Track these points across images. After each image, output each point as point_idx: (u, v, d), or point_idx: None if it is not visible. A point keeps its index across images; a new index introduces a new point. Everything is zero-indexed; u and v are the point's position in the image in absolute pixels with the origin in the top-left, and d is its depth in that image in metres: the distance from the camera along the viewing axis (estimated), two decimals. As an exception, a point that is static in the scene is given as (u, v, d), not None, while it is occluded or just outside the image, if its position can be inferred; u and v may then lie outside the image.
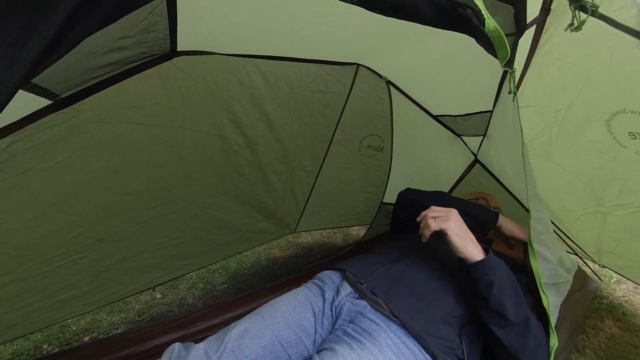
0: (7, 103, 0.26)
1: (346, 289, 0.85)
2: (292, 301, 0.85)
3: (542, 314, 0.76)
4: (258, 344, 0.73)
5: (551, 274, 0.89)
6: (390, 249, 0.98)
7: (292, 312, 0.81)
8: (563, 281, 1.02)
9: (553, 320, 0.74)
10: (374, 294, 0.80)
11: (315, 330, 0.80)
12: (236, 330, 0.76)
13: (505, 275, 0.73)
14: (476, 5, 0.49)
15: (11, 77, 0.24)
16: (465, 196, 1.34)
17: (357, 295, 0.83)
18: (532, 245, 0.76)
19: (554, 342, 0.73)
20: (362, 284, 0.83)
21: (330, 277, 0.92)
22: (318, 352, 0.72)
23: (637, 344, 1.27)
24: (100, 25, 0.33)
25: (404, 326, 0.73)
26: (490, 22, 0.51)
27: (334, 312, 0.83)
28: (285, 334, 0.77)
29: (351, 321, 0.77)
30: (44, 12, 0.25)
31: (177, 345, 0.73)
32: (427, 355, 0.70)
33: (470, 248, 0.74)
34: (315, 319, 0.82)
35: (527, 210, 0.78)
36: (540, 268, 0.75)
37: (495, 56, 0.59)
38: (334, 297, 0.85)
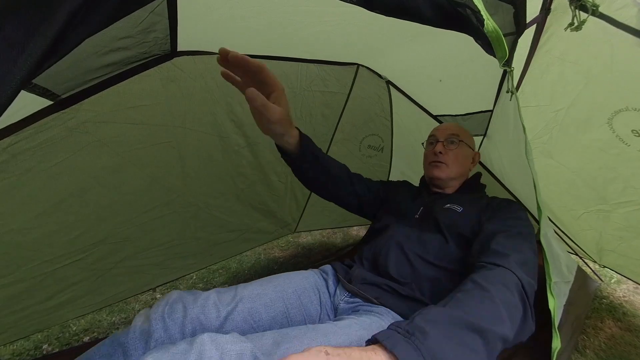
0: (10, 104, 0.27)
1: (340, 288, 0.86)
2: (303, 283, 0.83)
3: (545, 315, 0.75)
4: (268, 314, 0.72)
5: (560, 272, 0.89)
6: (366, 249, 0.93)
7: (303, 294, 0.80)
8: (566, 281, 1.02)
9: (557, 321, 0.74)
10: (362, 292, 0.80)
11: (320, 318, 0.81)
12: (249, 292, 0.74)
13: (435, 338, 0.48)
14: (475, 5, 0.49)
15: (13, 78, 0.24)
16: None
17: (349, 294, 0.83)
18: (543, 245, 0.75)
19: (556, 344, 0.72)
20: (351, 284, 0.83)
21: (333, 274, 0.91)
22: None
23: (637, 344, 1.27)
24: (102, 25, 0.33)
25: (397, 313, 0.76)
26: (490, 23, 0.52)
27: (334, 308, 0.84)
28: (294, 312, 0.76)
29: (351, 310, 0.79)
30: (46, 12, 0.25)
31: (175, 292, 0.69)
32: None
33: None
34: (320, 307, 0.82)
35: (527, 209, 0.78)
36: (552, 267, 0.75)
37: (494, 55, 0.59)
38: (334, 294, 0.86)
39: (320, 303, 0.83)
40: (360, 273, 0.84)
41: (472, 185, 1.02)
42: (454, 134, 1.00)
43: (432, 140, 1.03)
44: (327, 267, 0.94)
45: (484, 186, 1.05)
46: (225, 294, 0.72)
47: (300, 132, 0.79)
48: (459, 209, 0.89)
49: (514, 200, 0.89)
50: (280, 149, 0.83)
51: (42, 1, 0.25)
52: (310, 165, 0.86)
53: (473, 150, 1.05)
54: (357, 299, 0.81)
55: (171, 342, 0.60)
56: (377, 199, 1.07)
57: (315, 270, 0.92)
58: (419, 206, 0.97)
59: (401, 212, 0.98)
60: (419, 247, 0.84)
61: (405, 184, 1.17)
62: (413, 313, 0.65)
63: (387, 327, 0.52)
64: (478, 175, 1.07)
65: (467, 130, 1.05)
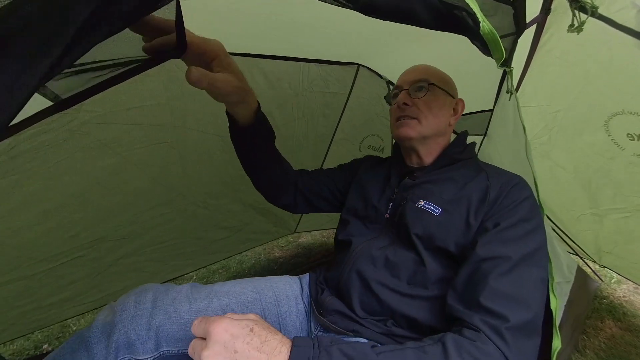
0: (16, 115, 0.27)
1: (314, 319, 0.74)
2: (285, 290, 0.76)
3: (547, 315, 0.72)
4: (243, 313, 0.65)
5: (561, 272, 0.89)
6: (333, 270, 0.78)
7: (282, 301, 0.74)
8: (566, 281, 1.02)
9: (558, 321, 0.73)
10: (335, 326, 0.67)
11: (293, 329, 0.74)
12: (226, 288, 0.70)
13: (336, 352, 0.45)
14: (471, 8, 0.49)
15: (21, 93, 0.24)
16: None
17: (321, 328, 0.71)
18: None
19: (557, 343, 0.71)
20: (322, 316, 0.70)
21: (307, 291, 0.80)
22: None
23: (637, 344, 1.27)
24: (109, 34, 0.33)
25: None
26: (485, 25, 0.52)
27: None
28: (270, 317, 0.71)
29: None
30: (57, 26, 0.25)
31: (147, 284, 0.65)
32: None
33: None
34: (297, 318, 0.75)
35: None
36: (554, 267, 0.74)
37: (491, 56, 0.60)
38: (310, 318, 0.75)
39: (298, 314, 0.75)
40: (330, 303, 0.70)
41: (457, 152, 0.77)
42: (422, 78, 0.75)
43: (397, 90, 0.79)
44: (305, 282, 0.81)
45: (473, 146, 0.81)
46: (200, 288, 0.68)
47: (258, 103, 0.67)
48: (436, 210, 0.66)
49: (517, 179, 0.67)
50: (231, 118, 0.67)
51: (53, 15, 0.25)
52: (263, 142, 0.73)
53: (454, 97, 0.80)
54: (331, 333, 0.68)
55: (136, 333, 0.55)
56: (333, 192, 0.90)
57: (299, 279, 0.82)
58: (389, 200, 0.75)
59: (367, 212, 0.77)
60: (386, 275, 0.66)
61: (371, 161, 0.92)
62: (398, 345, 0.57)
63: (313, 337, 0.49)
64: (463, 135, 0.81)
65: (444, 74, 0.80)
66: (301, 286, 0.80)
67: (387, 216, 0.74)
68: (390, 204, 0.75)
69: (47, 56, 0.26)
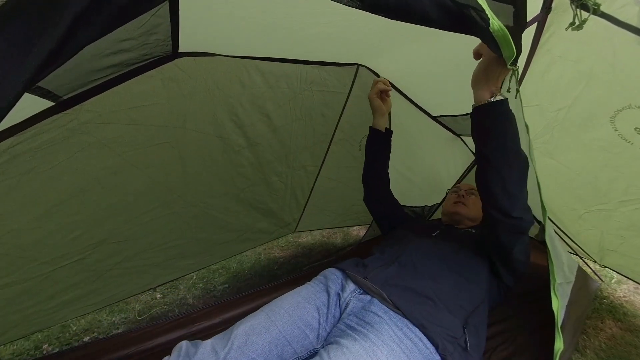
0: (14, 105, 0.27)
1: (350, 285, 0.89)
2: (295, 298, 0.87)
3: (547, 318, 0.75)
4: (264, 340, 0.75)
5: (563, 273, 0.89)
6: (384, 251, 1.04)
7: (296, 308, 0.83)
8: (567, 281, 1.02)
9: (560, 322, 0.73)
10: (376, 287, 0.83)
11: (320, 325, 0.82)
12: (242, 327, 0.78)
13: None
14: (479, 4, 0.49)
15: (19, 78, 0.24)
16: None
17: (361, 291, 0.86)
18: (547, 245, 0.75)
19: (559, 345, 0.72)
20: (365, 279, 0.86)
21: (334, 274, 0.95)
22: (324, 346, 0.74)
23: (637, 345, 1.27)
24: (107, 29, 0.33)
25: (405, 316, 0.75)
26: (495, 22, 0.52)
27: (341, 307, 0.86)
28: (289, 329, 0.79)
29: (355, 315, 0.80)
30: (51, 14, 0.25)
31: (184, 343, 0.75)
32: (429, 344, 0.72)
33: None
34: (319, 314, 0.84)
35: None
36: (556, 269, 0.74)
37: (501, 55, 0.59)
38: (339, 293, 0.88)
39: (318, 309, 0.85)
40: (377, 265, 0.93)
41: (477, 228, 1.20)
42: (474, 188, 1.26)
43: (457, 190, 1.32)
44: (327, 272, 0.97)
45: None
46: (221, 338, 0.78)
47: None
48: (473, 230, 1.14)
49: None
50: (373, 130, 1.27)
51: (46, 3, 0.25)
52: (386, 150, 1.28)
53: None
54: (367, 296, 0.84)
55: None
56: (400, 218, 1.32)
57: (310, 282, 0.95)
58: (436, 229, 1.16)
59: (420, 229, 1.17)
60: (439, 253, 0.97)
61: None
62: (420, 319, 0.76)
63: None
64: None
65: None
66: (324, 277, 0.95)
67: (434, 235, 1.12)
68: (438, 231, 1.15)
69: (42, 42, 0.25)
